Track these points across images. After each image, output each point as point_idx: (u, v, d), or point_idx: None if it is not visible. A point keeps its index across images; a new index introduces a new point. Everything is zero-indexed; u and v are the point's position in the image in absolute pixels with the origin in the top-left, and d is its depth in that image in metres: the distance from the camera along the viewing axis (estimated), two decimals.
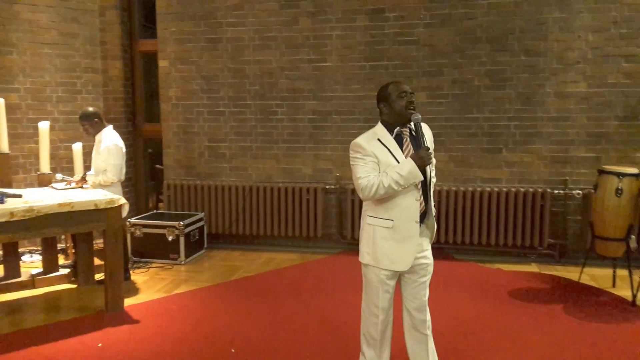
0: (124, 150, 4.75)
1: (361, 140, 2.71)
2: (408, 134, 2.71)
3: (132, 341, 3.65)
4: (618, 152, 5.38)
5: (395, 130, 2.69)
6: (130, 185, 6.58)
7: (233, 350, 3.48)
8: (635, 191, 4.30)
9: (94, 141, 4.84)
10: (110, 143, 4.64)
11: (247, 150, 6.14)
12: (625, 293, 4.44)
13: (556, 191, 5.49)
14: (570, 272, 5.10)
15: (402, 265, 2.68)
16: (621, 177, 4.30)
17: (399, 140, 2.69)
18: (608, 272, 4.86)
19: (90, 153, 4.91)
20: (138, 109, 6.77)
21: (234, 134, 6.15)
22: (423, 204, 2.69)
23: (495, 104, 5.59)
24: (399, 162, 2.63)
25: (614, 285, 4.70)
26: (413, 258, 2.68)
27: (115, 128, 4.86)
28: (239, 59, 6.06)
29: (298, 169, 6.05)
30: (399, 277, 2.78)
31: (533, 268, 5.32)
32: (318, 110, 5.93)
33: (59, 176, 4.81)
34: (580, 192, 5.44)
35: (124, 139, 4.78)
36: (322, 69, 5.88)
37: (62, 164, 6.04)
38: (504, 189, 5.53)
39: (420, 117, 2.67)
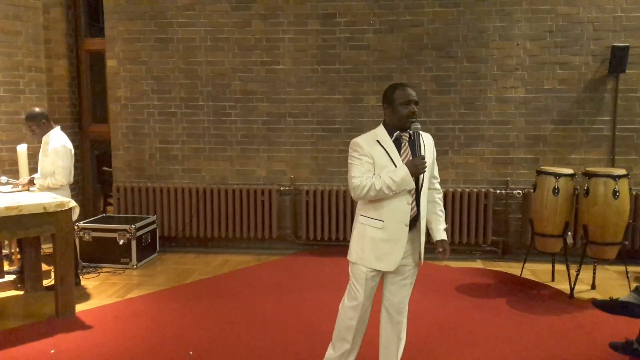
0: (72, 151, 4.64)
1: (360, 140, 2.76)
2: (407, 138, 2.76)
3: (86, 347, 3.57)
4: (554, 154, 5.73)
5: (395, 134, 2.75)
6: (77, 188, 6.39)
7: (191, 353, 3.48)
8: (571, 190, 4.62)
9: (39, 142, 4.69)
10: (58, 144, 4.51)
11: (200, 151, 6.10)
12: (564, 286, 4.72)
13: (498, 191, 5.79)
14: (512, 268, 5.38)
15: (388, 265, 2.75)
16: (558, 177, 4.60)
17: (397, 144, 2.75)
18: (547, 266, 5.18)
19: (35, 155, 4.75)
20: (84, 110, 6.58)
21: (186, 136, 6.09)
22: (415, 208, 2.74)
23: (441, 108, 5.82)
24: (395, 166, 2.68)
25: (553, 279, 5.00)
26: (399, 259, 2.74)
27: (61, 129, 4.72)
28: (191, 60, 6.01)
29: (252, 170, 6.07)
30: (381, 277, 2.85)
31: (478, 264, 5.59)
32: (272, 112, 5.98)
33: (3, 179, 4.65)
34: (520, 191, 5.76)
35: (70, 141, 4.66)
36: (275, 71, 5.94)
37: (5, 166, 5.79)
38: (450, 189, 5.77)
39: (419, 126, 2.72)
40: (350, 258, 2.85)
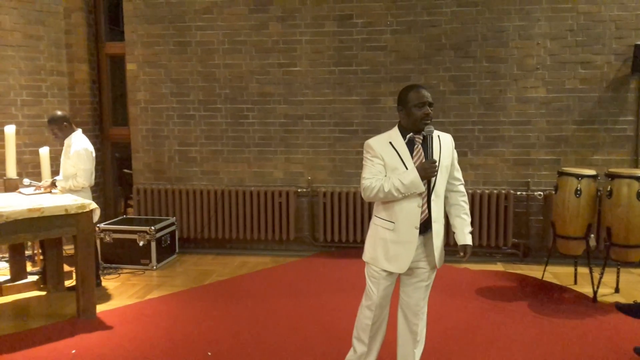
0: (94, 154, 4.69)
1: (373, 141, 2.76)
2: (421, 140, 2.73)
3: (106, 347, 3.61)
4: (576, 154, 5.64)
5: (408, 136, 2.73)
6: (98, 191, 6.47)
7: (209, 354, 3.49)
8: (593, 192, 4.53)
9: (61, 145, 4.76)
10: (80, 147, 4.57)
11: (219, 154, 6.14)
12: (587, 290, 4.64)
13: (519, 192, 5.71)
14: (533, 271, 5.30)
15: (398, 267, 2.74)
16: (580, 178, 4.51)
17: (410, 146, 2.72)
18: (569, 269, 5.08)
19: (57, 157, 4.82)
20: (105, 113, 6.67)
21: (205, 138, 6.14)
22: (426, 211, 2.71)
23: (459, 109, 5.77)
24: (407, 168, 2.66)
25: (575, 282, 4.91)
26: (409, 261, 2.72)
27: (82, 132, 4.78)
28: (209, 63, 6.06)
29: (270, 172, 6.09)
30: (397, 279, 2.84)
31: (498, 267, 5.51)
32: (289, 114, 5.99)
33: (26, 181, 4.71)
34: (541, 193, 5.67)
35: (91, 143, 4.72)
36: (292, 73, 5.95)
37: (28, 168, 5.89)
38: (470, 191, 5.69)
39: (432, 129, 2.69)
40: (364, 258, 2.88)
